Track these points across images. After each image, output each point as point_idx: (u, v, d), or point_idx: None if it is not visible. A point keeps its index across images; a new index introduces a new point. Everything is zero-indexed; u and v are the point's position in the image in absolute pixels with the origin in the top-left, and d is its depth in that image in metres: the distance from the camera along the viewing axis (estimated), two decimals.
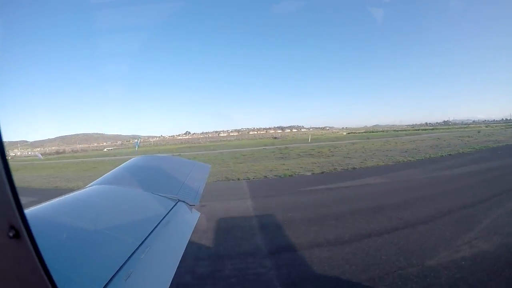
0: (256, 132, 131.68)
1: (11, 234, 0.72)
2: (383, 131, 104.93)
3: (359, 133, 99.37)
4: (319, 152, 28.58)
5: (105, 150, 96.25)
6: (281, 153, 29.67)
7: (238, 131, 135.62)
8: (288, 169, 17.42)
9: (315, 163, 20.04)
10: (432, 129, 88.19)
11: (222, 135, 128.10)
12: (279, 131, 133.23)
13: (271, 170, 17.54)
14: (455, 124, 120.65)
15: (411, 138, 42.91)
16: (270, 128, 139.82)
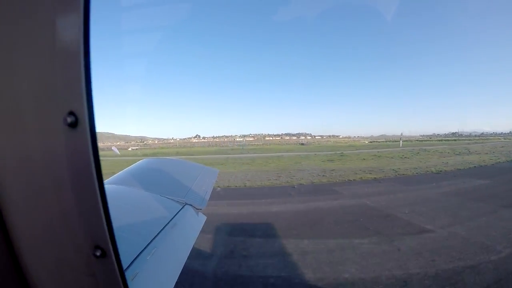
0: (271, 138, 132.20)
1: (97, 254, 0.76)
2: (417, 140, 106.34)
3: (381, 141, 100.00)
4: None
5: (129, 149, 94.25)
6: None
7: (253, 136, 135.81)
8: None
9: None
10: (468, 140, 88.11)
11: (238, 139, 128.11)
12: (293, 138, 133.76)
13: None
14: (467, 136, 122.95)
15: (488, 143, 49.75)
16: (278, 135, 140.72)
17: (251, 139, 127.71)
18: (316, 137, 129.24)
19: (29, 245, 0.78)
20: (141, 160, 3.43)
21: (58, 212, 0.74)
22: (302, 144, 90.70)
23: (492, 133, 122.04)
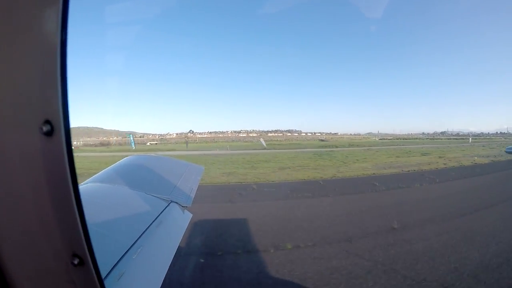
0: (273, 134, 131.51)
1: (75, 262, 0.77)
2: (417, 138, 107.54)
3: (389, 139, 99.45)
4: None
5: (147, 144, 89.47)
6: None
7: (257, 132, 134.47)
8: None
9: None
10: (474, 138, 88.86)
11: (241, 135, 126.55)
12: (288, 134, 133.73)
13: None
14: (456, 135, 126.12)
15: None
16: (268, 131, 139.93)
17: (254, 135, 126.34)
18: (308, 134, 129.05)
19: (9, 252, 0.79)
20: (125, 158, 3.37)
21: (36, 220, 0.75)
22: (322, 140, 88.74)
23: (479, 133, 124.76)
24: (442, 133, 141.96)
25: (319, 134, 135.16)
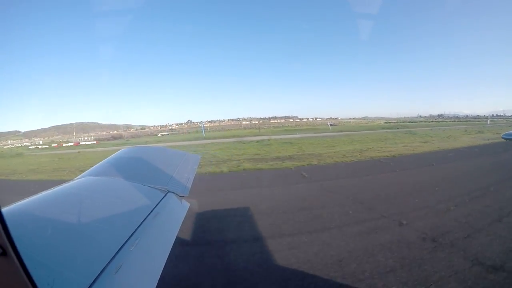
0: (276, 121, 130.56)
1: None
2: (423, 121, 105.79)
3: (394, 123, 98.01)
4: None
5: (159, 135, 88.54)
6: None
7: (258, 119, 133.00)
8: None
9: None
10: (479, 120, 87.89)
11: (244, 123, 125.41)
12: (281, 120, 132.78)
13: None
14: (452, 117, 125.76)
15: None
16: (266, 118, 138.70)
17: (256, 122, 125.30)
18: (304, 120, 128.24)
19: None
20: (120, 150, 3.33)
21: None
22: (331, 125, 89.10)
23: (475, 116, 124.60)
24: (440, 115, 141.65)
25: (320, 119, 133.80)
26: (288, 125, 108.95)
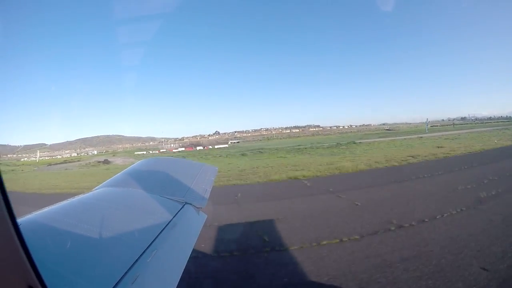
0: (315, 129, 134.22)
1: None
2: (467, 123, 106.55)
3: (437, 126, 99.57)
4: None
5: (229, 143, 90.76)
6: None
7: (270, 130, 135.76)
8: None
9: None
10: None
11: (274, 132, 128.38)
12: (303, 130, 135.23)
13: None
14: (476, 121, 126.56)
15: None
16: (288, 128, 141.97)
17: (288, 132, 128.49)
18: (328, 128, 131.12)
19: None
20: (139, 161, 3.40)
21: None
22: (388, 129, 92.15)
23: (499, 117, 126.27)
24: (463, 118, 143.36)
25: (342, 127, 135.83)
26: (321, 133, 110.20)
